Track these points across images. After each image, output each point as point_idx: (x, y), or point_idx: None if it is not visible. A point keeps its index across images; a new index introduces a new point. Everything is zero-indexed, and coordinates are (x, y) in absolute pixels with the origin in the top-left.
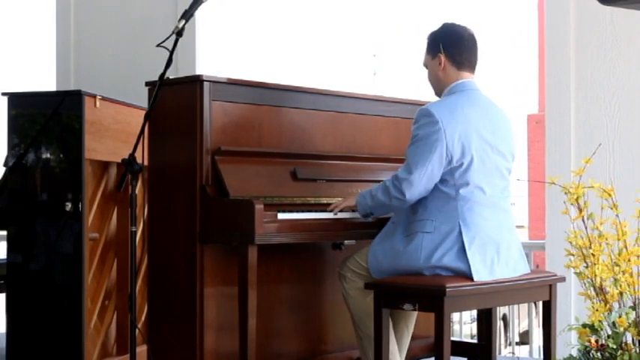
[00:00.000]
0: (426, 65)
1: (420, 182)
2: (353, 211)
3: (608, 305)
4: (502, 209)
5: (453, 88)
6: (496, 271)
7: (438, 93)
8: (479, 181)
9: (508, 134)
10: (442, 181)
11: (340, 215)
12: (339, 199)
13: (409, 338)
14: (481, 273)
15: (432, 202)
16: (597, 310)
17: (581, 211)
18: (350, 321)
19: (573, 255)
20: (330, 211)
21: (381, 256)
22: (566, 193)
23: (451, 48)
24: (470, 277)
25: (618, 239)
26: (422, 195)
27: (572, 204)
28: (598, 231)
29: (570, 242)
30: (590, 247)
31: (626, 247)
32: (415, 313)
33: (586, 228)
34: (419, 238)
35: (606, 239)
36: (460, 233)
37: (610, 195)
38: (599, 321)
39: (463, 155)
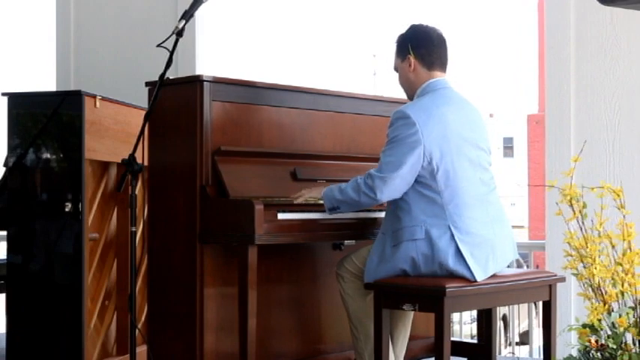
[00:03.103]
0: (396, 69)
1: (393, 183)
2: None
3: (606, 305)
4: (490, 202)
5: (425, 89)
6: (490, 268)
7: (410, 95)
8: (462, 179)
9: (483, 129)
10: (425, 185)
11: (342, 215)
12: (302, 192)
13: (407, 337)
14: (479, 273)
15: (417, 207)
16: (596, 310)
17: (574, 212)
18: None
19: (571, 256)
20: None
21: (376, 266)
22: (564, 195)
23: (420, 48)
24: (470, 279)
25: (624, 239)
26: (392, 197)
27: (569, 205)
28: (598, 231)
29: (568, 243)
30: (586, 248)
31: (630, 248)
32: (411, 312)
33: (581, 229)
34: (411, 246)
35: (609, 239)
36: (452, 236)
37: (619, 195)
38: (599, 321)
39: (443, 156)
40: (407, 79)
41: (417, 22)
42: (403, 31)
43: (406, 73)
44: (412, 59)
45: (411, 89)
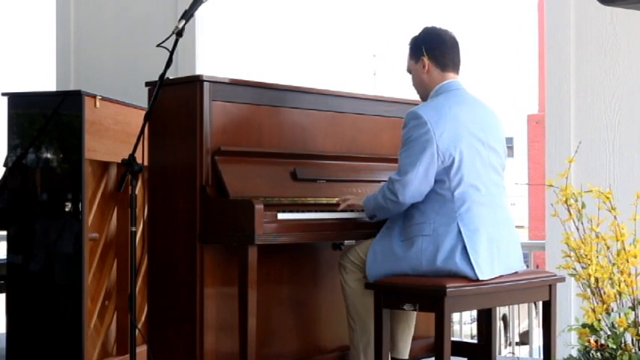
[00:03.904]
0: (409, 71)
1: (413, 184)
2: (358, 211)
3: (605, 306)
4: (498, 205)
5: (438, 90)
6: (496, 269)
7: (424, 97)
8: (473, 178)
9: (498, 131)
10: (437, 182)
11: (342, 215)
12: (348, 197)
13: (411, 333)
14: (485, 272)
15: (428, 204)
16: (594, 311)
17: (571, 213)
18: None
19: (569, 256)
20: (337, 204)
21: (381, 261)
22: (563, 195)
23: (434, 50)
24: (473, 278)
25: (617, 239)
26: (416, 198)
27: (566, 205)
28: (594, 232)
29: (566, 244)
30: (583, 249)
31: (624, 248)
32: (415, 312)
33: (578, 230)
34: (418, 242)
35: (604, 240)
36: (459, 233)
37: (608, 198)
38: (598, 321)
39: (455, 154)
40: (420, 81)
41: (429, 25)
42: (416, 33)
43: (420, 74)
44: (426, 61)
45: (425, 91)
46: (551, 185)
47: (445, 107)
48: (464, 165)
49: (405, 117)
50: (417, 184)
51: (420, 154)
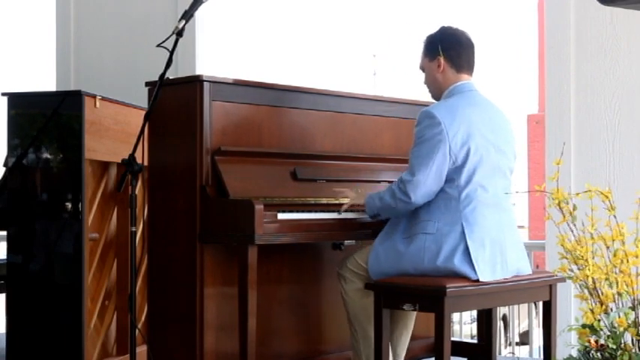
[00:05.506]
0: (422, 68)
1: (425, 183)
2: (359, 211)
3: (603, 306)
4: (503, 208)
5: (452, 90)
6: (498, 271)
7: (436, 96)
8: (481, 180)
9: (508, 133)
10: (446, 181)
11: (342, 215)
12: (346, 198)
13: (409, 337)
14: (485, 273)
15: (435, 203)
16: (592, 312)
17: (564, 215)
18: None
19: (566, 258)
20: (337, 205)
21: (383, 258)
22: (554, 199)
23: (450, 50)
24: (474, 279)
25: (613, 239)
26: (428, 197)
27: (559, 208)
28: (590, 233)
29: (562, 245)
30: (577, 250)
31: (623, 248)
32: (414, 313)
33: (572, 231)
34: (421, 239)
35: (604, 240)
36: (462, 233)
37: (607, 197)
38: (597, 321)
39: (467, 155)
40: (434, 80)
41: (446, 24)
42: (432, 31)
43: (434, 73)
44: (442, 60)
45: (438, 90)
46: (540, 191)
47: (459, 108)
48: (473, 166)
49: (419, 116)
50: (429, 184)
51: (432, 154)
